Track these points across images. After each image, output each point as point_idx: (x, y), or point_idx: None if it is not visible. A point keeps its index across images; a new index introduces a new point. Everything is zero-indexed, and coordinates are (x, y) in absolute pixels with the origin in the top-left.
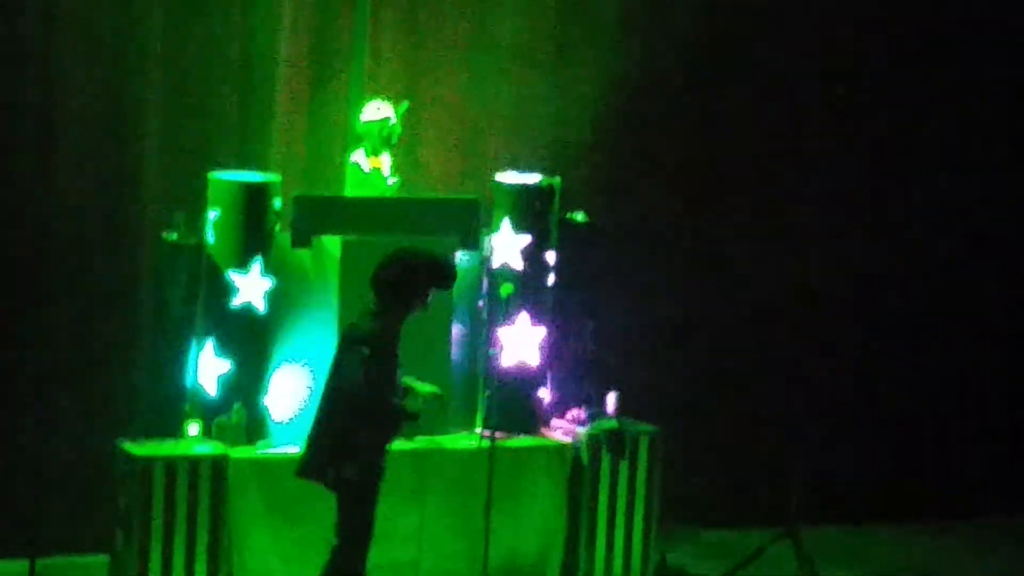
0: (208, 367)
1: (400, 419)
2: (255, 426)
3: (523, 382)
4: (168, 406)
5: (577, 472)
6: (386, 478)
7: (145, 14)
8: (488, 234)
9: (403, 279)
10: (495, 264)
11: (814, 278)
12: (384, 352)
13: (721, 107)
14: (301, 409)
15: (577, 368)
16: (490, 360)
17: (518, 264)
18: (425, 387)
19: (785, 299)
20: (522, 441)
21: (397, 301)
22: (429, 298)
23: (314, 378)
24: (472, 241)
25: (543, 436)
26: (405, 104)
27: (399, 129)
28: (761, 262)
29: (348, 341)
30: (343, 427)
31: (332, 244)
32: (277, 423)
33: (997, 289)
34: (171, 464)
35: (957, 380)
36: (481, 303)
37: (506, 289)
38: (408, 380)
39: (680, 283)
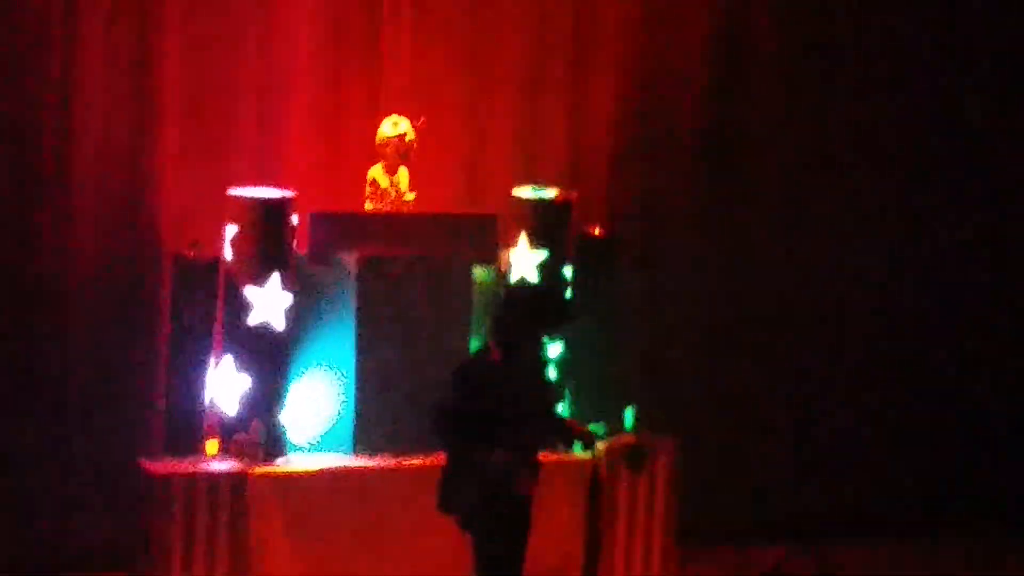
0: (226, 384)
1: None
2: (274, 442)
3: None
4: (187, 424)
5: (596, 487)
6: (407, 501)
7: (164, 30)
8: (504, 248)
9: (504, 316)
10: (512, 278)
11: (837, 288)
12: (482, 388)
13: (739, 118)
14: (319, 424)
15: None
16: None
17: (535, 278)
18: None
19: (807, 309)
20: (540, 456)
21: (499, 337)
22: (538, 336)
23: (332, 393)
24: (489, 256)
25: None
26: (422, 119)
27: (416, 144)
28: (780, 275)
29: (455, 372)
30: (458, 460)
31: (349, 260)
32: (296, 439)
33: None
34: (190, 481)
35: (986, 387)
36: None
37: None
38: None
39: (698, 296)
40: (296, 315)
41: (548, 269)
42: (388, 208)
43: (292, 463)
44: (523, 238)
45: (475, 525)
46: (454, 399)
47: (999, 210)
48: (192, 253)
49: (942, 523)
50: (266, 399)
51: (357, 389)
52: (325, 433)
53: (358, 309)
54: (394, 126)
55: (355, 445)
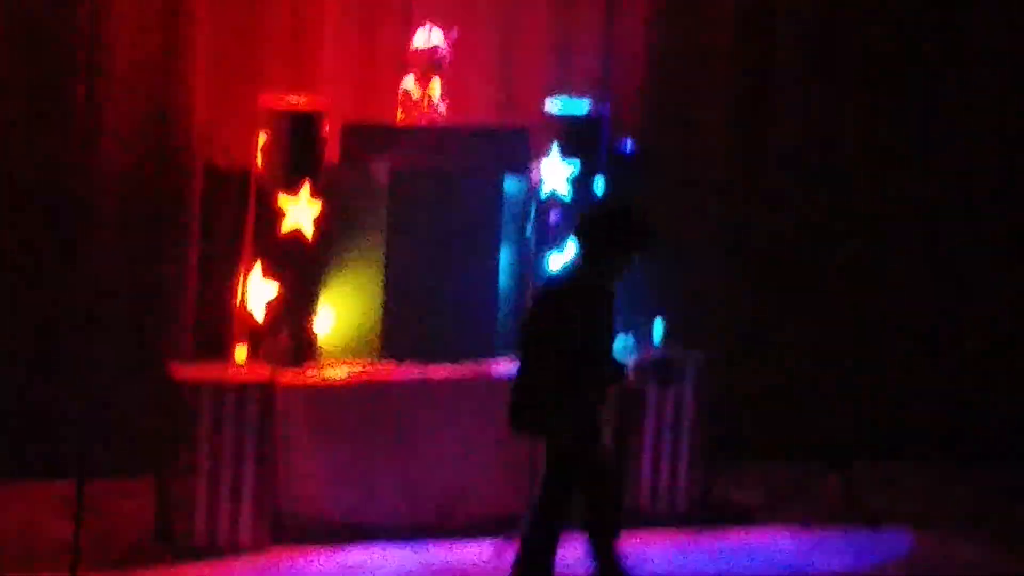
0: (257, 291)
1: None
2: (303, 349)
3: None
4: (216, 331)
5: (623, 399)
6: (431, 405)
7: None
8: (536, 160)
9: (591, 237)
10: (543, 191)
11: (871, 207)
12: (579, 305)
13: (777, 33)
14: (348, 332)
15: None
16: (538, 285)
17: (566, 191)
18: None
19: (839, 227)
20: None
21: (595, 255)
22: (630, 260)
23: (361, 301)
24: (520, 167)
25: None
26: (455, 30)
27: (448, 55)
28: (814, 190)
29: (542, 292)
30: (542, 381)
31: (380, 171)
32: (325, 346)
33: None
34: (219, 389)
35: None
36: (529, 229)
37: (555, 216)
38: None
39: (728, 210)
40: (326, 224)
41: (579, 182)
42: (420, 119)
43: (320, 370)
44: (555, 150)
45: (556, 452)
46: (537, 319)
47: None
48: (224, 159)
49: (975, 450)
50: (295, 307)
51: (386, 298)
52: (354, 340)
53: (388, 220)
54: (427, 37)
55: (383, 353)
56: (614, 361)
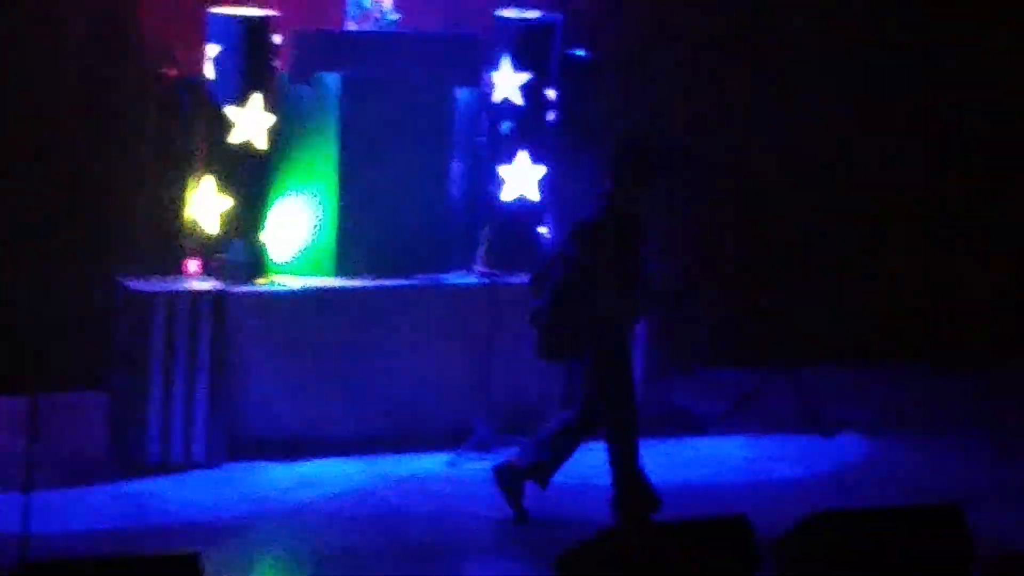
0: (208, 203)
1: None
2: (255, 262)
3: (523, 219)
4: (168, 243)
5: None
6: (384, 318)
7: None
8: (489, 70)
9: (629, 162)
10: (495, 100)
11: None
12: (611, 234)
13: None
14: (300, 244)
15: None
16: (490, 198)
17: (518, 100)
18: None
19: (799, 138)
20: (522, 278)
21: (622, 183)
22: (652, 185)
23: (313, 214)
24: (472, 77)
25: None
26: None
27: None
28: (766, 104)
29: (576, 225)
30: (577, 306)
31: (332, 80)
32: (277, 259)
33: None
34: (171, 300)
35: (965, 227)
36: (481, 140)
37: (506, 125)
38: None
39: (682, 118)
40: (278, 135)
41: (532, 91)
42: (371, 28)
43: (272, 283)
44: (507, 60)
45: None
46: (572, 248)
47: None
48: (174, 70)
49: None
50: (247, 219)
51: (339, 209)
52: (306, 253)
53: (340, 130)
54: None
55: (336, 265)
56: (647, 288)
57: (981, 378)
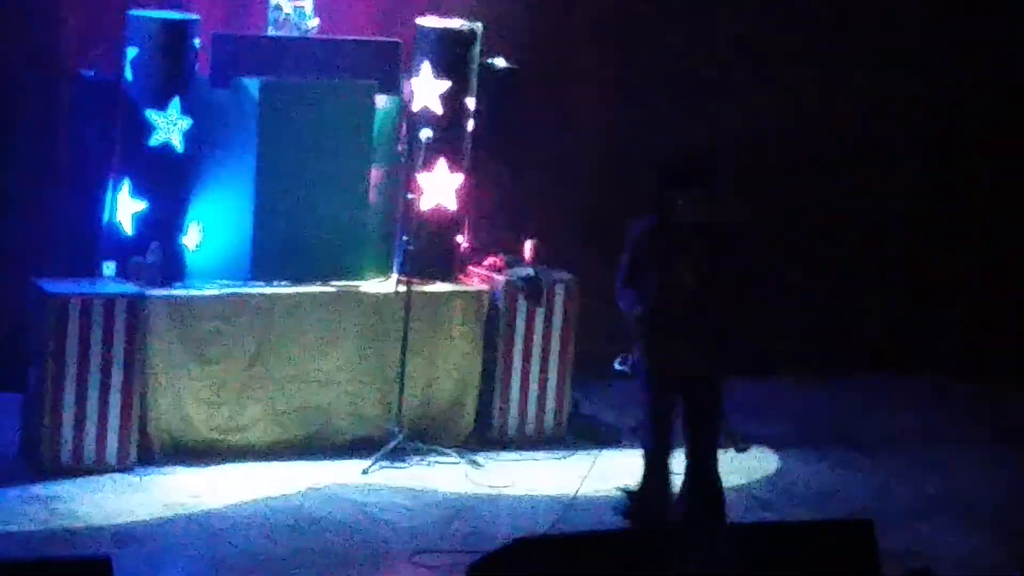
0: (125, 206)
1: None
2: (171, 266)
3: (440, 228)
4: (85, 245)
5: (493, 319)
6: (300, 324)
7: None
8: (408, 78)
9: (657, 180)
10: (415, 108)
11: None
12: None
13: None
14: (218, 249)
15: (495, 215)
16: (408, 205)
17: (438, 108)
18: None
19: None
20: (438, 286)
21: (657, 198)
22: (677, 199)
23: (231, 218)
24: (392, 84)
25: (460, 282)
26: None
27: None
28: (681, 110)
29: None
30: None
31: (251, 85)
32: (194, 263)
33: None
34: (87, 302)
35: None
36: (400, 147)
37: (425, 133)
38: None
39: (600, 129)
40: (196, 138)
41: (451, 98)
42: (291, 33)
43: (189, 287)
44: (427, 67)
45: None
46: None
47: None
48: (93, 71)
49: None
50: (164, 222)
51: (256, 214)
52: (223, 258)
53: (259, 134)
54: None
55: (252, 270)
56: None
57: (889, 390)
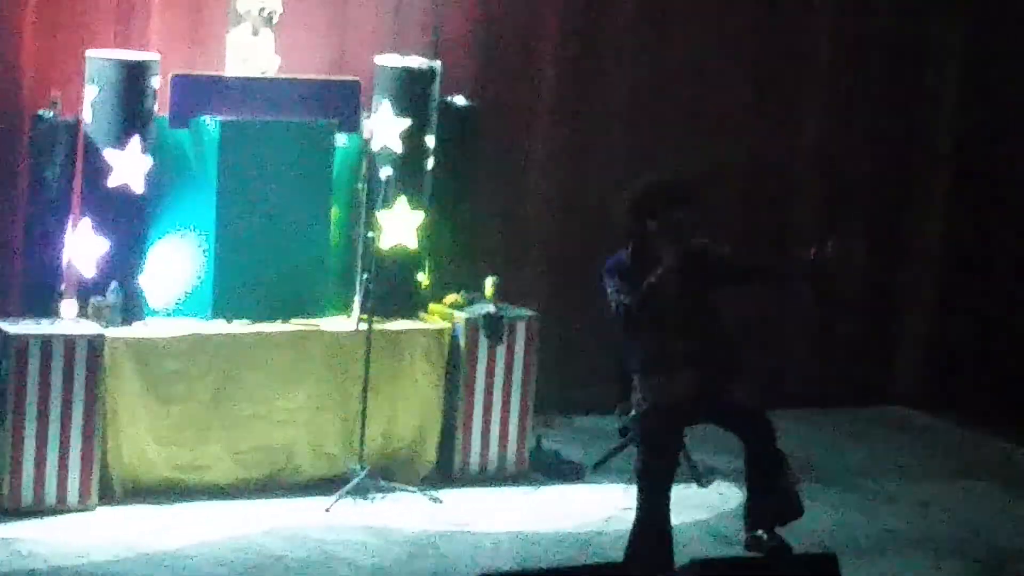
0: (85, 246)
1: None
2: (132, 306)
3: (401, 265)
4: (44, 285)
5: (454, 356)
6: (261, 363)
7: None
8: (368, 116)
9: (629, 208)
10: (375, 147)
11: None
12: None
13: None
14: (178, 288)
15: (455, 253)
16: (368, 243)
17: (398, 147)
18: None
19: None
20: (399, 324)
21: (629, 229)
22: (662, 223)
23: (191, 258)
24: (352, 123)
25: (421, 320)
26: None
27: (280, 9)
28: (638, 148)
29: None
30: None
31: (211, 124)
32: (154, 303)
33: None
34: (47, 343)
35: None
36: (360, 186)
37: (386, 172)
38: None
39: (559, 167)
40: (156, 178)
41: (411, 137)
42: (251, 73)
43: (149, 327)
44: (386, 105)
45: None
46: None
47: None
48: (52, 111)
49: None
50: (124, 262)
51: (216, 254)
52: (183, 297)
53: (219, 173)
54: None
55: (213, 309)
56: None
57: (850, 423)
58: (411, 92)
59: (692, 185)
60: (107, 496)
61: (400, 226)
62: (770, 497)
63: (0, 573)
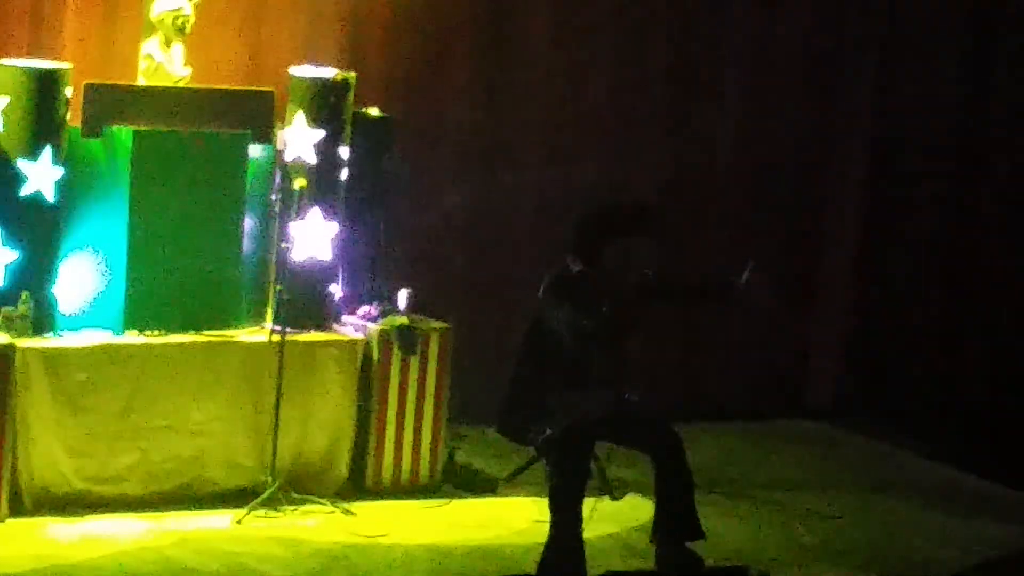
0: None
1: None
2: (43, 316)
3: (314, 277)
4: None
5: (367, 368)
6: (173, 374)
7: None
8: (281, 127)
9: (579, 231)
10: (288, 158)
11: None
12: (572, 304)
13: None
14: (90, 299)
15: (369, 264)
16: (281, 254)
17: (311, 158)
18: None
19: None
20: (312, 336)
21: (576, 252)
22: (612, 249)
23: (103, 268)
24: (265, 133)
25: (334, 331)
26: None
27: (193, 19)
28: (552, 162)
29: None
30: (539, 387)
31: (124, 134)
32: (65, 313)
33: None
34: None
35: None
36: (273, 197)
37: (299, 183)
38: None
39: (472, 180)
40: (68, 188)
41: (325, 148)
42: (163, 83)
43: (61, 337)
44: (300, 116)
45: (557, 450)
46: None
47: None
48: None
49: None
50: (36, 272)
51: (128, 264)
52: (95, 308)
53: (131, 183)
54: (171, 0)
55: (125, 321)
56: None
57: (762, 436)
58: (325, 103)
59: (653, 214)
60: (17, 508)
61: (313, 237)
62: (680, 513)
63: None
